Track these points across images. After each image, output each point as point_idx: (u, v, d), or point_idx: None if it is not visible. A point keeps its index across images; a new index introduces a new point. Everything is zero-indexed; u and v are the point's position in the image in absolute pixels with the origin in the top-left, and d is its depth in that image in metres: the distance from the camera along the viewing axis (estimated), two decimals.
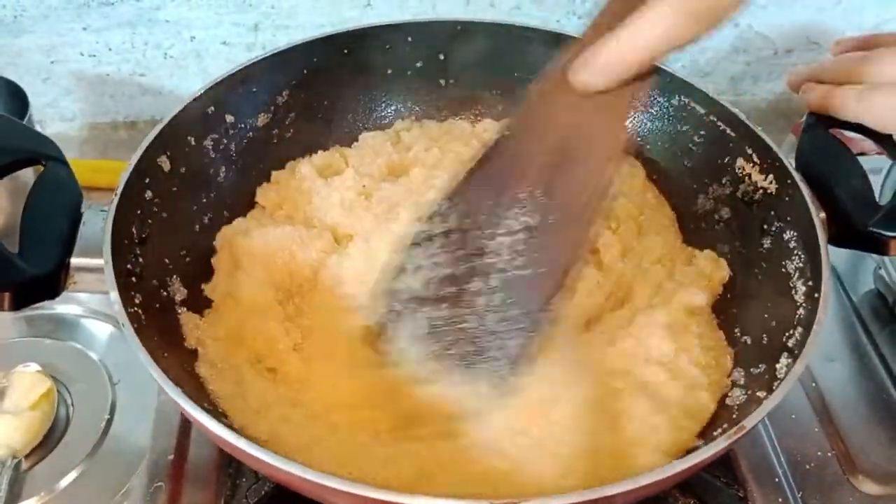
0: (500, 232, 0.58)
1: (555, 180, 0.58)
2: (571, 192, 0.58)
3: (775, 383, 0.64)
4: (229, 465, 0.75)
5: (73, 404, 0.81)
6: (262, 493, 0.73)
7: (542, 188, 0.58)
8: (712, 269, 0.80)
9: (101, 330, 0.88)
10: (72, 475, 0.75)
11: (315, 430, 0.63)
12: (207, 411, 0.57)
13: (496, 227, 0.58)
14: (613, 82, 0.55)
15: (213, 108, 0.82)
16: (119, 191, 0.69)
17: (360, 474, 0.59)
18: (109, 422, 0.79)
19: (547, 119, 0.59)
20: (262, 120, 0.88)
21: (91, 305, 0.89)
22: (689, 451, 0.62)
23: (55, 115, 1.16)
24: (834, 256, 0.95)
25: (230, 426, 0.59)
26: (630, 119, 0.93)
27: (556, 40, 0.92)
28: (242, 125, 0.86)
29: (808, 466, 0.78)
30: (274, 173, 0.87)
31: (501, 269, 0.58)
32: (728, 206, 0.85)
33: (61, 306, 0.90)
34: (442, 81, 0.96)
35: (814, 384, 0.84)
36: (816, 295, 0.68)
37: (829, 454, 0.79)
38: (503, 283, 0.58)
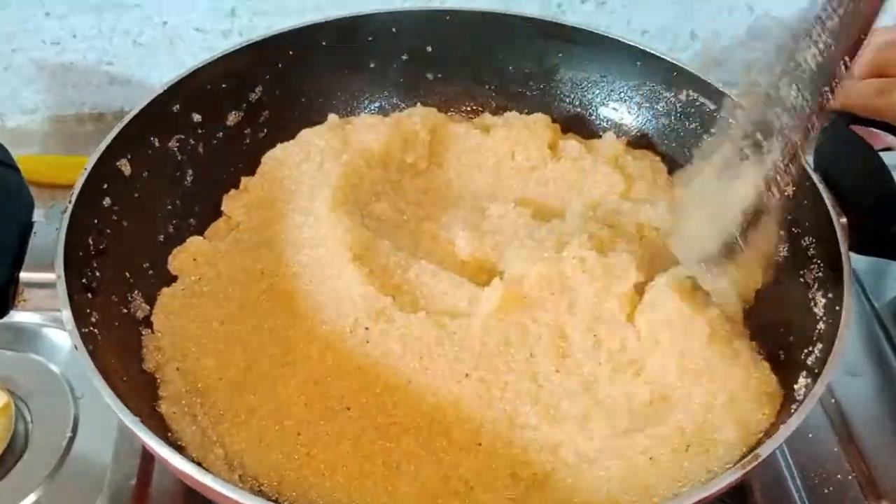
0: None
1: None
2: None
3: (793, 405, 0.63)
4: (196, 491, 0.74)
5: (32, 421, 0.79)
6: None
7: None
8: (744, 276, 0.76)
9: (62, 340, 0.86)
10: (31, 498, 0.73)
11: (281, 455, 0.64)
12: (171, 444, 0.57)
13: None
14: None
15: (178, 106, 0.81)
16: (73, 198, 0.68)
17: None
18: (71, 440, 0.78)
19: None
20: (232, 118, 0.87)
21: (51, 314, 0.87)
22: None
23: (15, 108, 1.15)
24: (856, 262, 0.93)
25: (194, 460, 0.58)
26: (634, 118, 0.93)
27: (554, 30, 0.91)
28: (211, 124, 0.85)
29: (826, 490, 0.76)
30: (244, 180, 0.86)
31: None
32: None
33: (19, 314, 0.83)
34: (430, 75, 0.95)
35: (833, 400, 0.83)
36: (838, 308, 0.66)
37: (850, 477, 0.77)
38: None
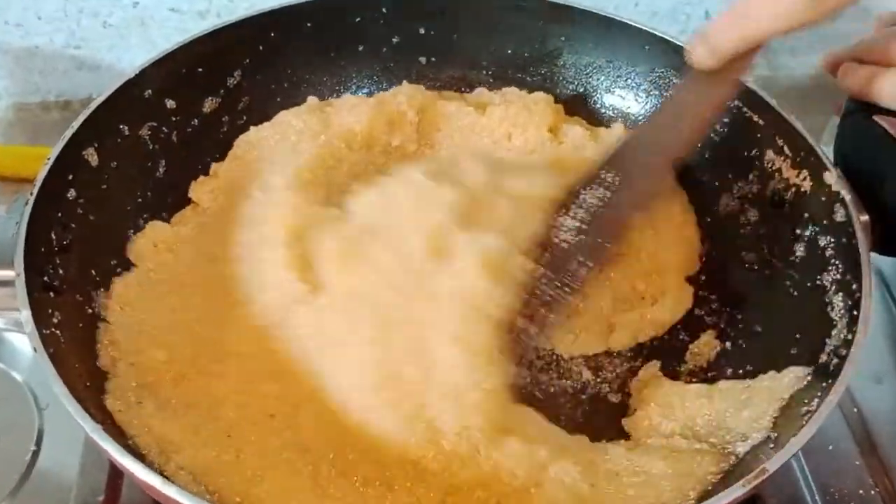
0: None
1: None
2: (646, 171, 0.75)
3: (805, 416, 0.63)
4: None
5: None
6: None
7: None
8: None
9: (25, 346, 0.87)
10: None
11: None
12: (137, 455, 0.57)
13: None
14: (724, 59, 0.68)
15: (150, 91, 0.82)
16: (35, 189, 0.68)
17: None
18: (35, 454, 0.78)
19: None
20: (209, 105, 0.87)
21: (14, 317, 0.84)
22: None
23: None
24: (880, 260, 0.93)
25: (156, 469, 0.59)
26: (642, 106, 0.93)
27: (556, 11, 0.92)
28: (186, 111, 0.85)
29: None
30: (214, 165, 0.86)
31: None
32: (755, 206, 0.84)
33: None
34: (423, 59, 0.96)
35: (855, 410, 0.83)
36: (856, 312, 0.67)
37: (873, 492, 0.78)
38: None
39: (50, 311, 0.65)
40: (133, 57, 1.12)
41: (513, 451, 0.65)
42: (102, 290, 0.74)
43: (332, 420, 0.67)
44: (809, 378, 0.68)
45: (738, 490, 0.56)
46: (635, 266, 0.81)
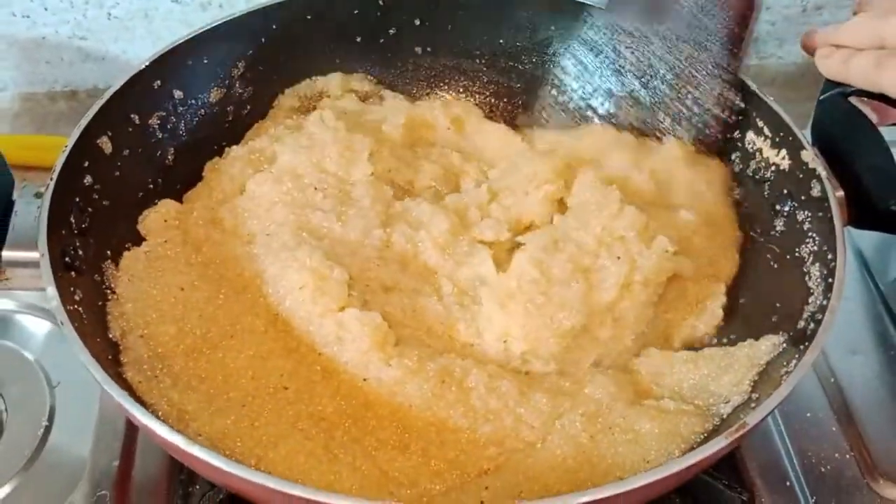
0: None
1: None
2: None
3: (784, 376, 0.66)
4: (181, 472, 0.77)
5: (6, 410, 0.81)
6: (218, 501, 0.75)
7: None
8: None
9: (37, 327, 0.89)
10: (5, 490, 0.76)
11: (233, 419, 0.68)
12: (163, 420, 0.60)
13: None
14: None
15: (158, 82, 0.84)
16: (54, 176, 0.70)
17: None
18: (48, 429, 0.80)
19: None
20: (214, 95, 0.89)
21: (26, 300, 0.90)
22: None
23: None
24: (861, 239, 0.96)
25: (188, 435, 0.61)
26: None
27: (545, 1, 0.94)
28: (193, 101, 0.88)
29: (823, 469, 0.80)
30: (227, 149, 0.88)
31: None
32: (739, 185, 0.87)
33: None
34: (418, 49, 0.98)
35: (832, 379, 0.86)
36: (831, 280, 0.70)
37: (848, 456, 0.81)
38: None
39: (72, 289, 0.67)
40: (138, 48, 1.14)
41: (539, 404, 0.70)
42: (112, 263, 0.76)
43: (350, 392, 0.70)
44: (785, 345, 0.71)
45: (721, 442, 0.59)
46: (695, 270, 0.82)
